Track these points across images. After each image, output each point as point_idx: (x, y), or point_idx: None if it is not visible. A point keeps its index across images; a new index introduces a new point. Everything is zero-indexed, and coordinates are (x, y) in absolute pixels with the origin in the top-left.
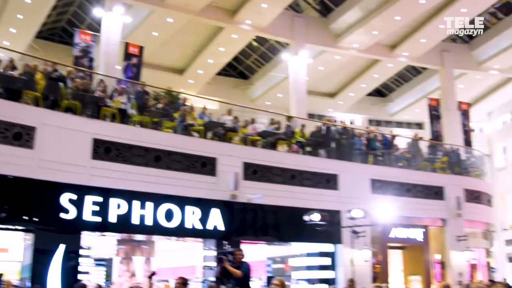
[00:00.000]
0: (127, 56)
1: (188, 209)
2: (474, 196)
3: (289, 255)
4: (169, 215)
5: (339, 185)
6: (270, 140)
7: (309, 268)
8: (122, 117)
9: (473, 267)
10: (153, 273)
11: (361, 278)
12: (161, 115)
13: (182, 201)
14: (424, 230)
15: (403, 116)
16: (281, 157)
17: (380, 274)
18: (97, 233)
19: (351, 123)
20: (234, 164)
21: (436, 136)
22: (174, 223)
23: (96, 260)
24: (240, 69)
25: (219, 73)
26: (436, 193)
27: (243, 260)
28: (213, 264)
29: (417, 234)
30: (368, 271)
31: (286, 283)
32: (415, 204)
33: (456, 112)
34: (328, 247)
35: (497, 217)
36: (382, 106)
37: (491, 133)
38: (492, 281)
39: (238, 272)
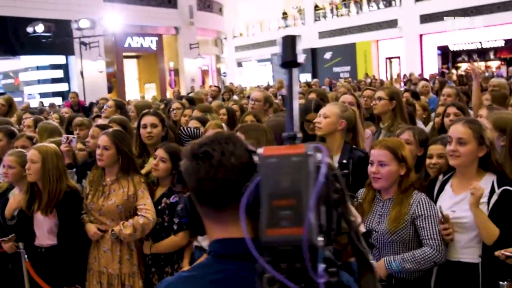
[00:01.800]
0: None
1: None
2: (206, 5)
3: (19, 69)
4: None
5: None
6: None
7: (41, 81)
8: None
9: (205, 73)
10: None
11: (96, 89)
12: None
13: None
14: (157, 38)
15: None
16: None
17: (116, 84)
18: None
19: None
20: None
21: None
22: None
23: None
24: None
25: None
26: (169, 1)
27: None
28: None
29: (152, 43)
30: (103, 82)
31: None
32: (148, 12)
33: None
34: (59, 59)
35: (228, 25)
36: None
37: None
38: (217, 87)
39: None
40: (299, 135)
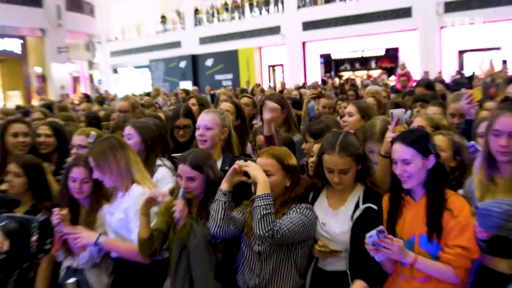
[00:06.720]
0: None
1: None
2: (76, 5)
3: None
4: None
5: None
6: None
7: None
8: None
9: (76, 79)
10: None
11: None
12: None
13: None
14: (22, 41)
15: None
16: None
17: None
18: None
19: None
20: None
21: None
22: None
23: None
24: None
25: None
26: (32, 0)
27: None
28: None
29: (14, 46)
30: None
31: None
32: (10, 10)
33: None
34: None
35: (101, 28)
36: None
37: None
38: (85, 95)
39: None
40: None
